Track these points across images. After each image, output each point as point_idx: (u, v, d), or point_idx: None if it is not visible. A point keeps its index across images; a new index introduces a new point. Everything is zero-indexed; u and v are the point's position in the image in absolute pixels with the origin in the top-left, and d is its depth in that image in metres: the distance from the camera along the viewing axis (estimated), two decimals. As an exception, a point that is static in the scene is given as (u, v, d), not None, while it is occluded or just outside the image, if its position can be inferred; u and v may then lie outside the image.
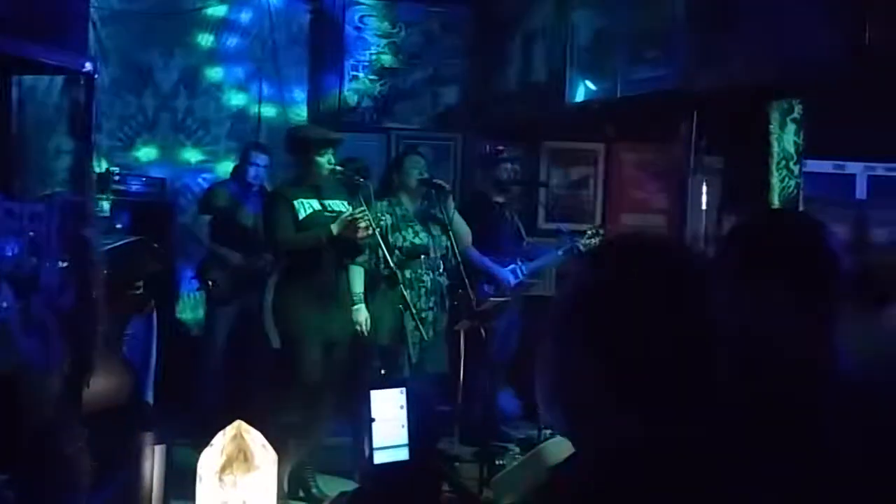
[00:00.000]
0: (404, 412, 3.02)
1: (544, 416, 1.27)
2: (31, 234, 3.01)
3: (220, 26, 7.20)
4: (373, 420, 3.04)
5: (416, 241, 5.08)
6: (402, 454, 2.98)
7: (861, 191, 6.20)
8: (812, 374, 1.60)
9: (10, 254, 2.95)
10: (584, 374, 1.15)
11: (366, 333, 4.85)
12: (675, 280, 1.17)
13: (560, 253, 5.87)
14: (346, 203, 4.87)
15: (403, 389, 3.11)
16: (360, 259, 4.90)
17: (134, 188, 6.48)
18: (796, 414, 1.52)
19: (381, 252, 4.90)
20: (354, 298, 4.86)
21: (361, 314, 4.85)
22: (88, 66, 3.18)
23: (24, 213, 3.00)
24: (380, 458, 2.98)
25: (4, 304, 2.90)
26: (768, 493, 1.13)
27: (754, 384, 1.57)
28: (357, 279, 4.90)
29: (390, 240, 4.98)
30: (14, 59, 3.20)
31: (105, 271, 3.36)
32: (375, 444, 2.99)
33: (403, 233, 5.07)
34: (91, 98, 3.22)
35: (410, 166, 5.20)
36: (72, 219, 3.11)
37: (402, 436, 3.00)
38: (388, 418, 3.02)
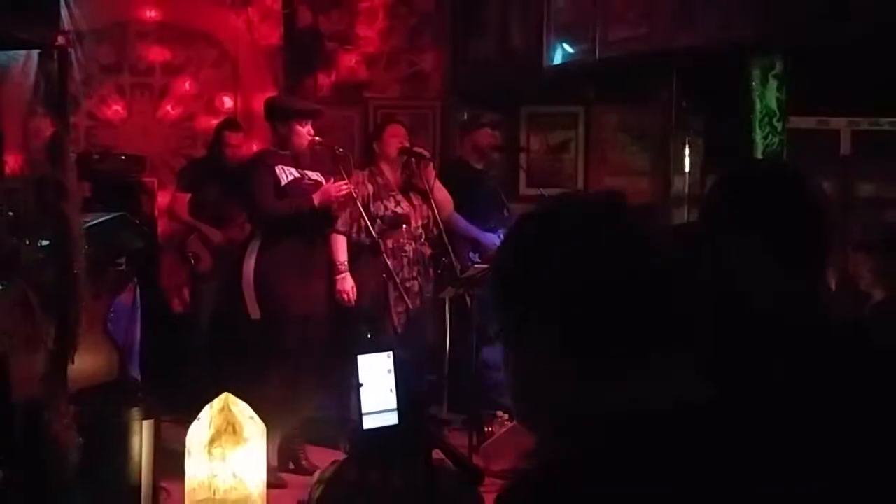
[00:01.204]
0: (392, 376, 3.01)
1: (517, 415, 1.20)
2: (10, 213, 2.97)
3: (193, 1, 7.11)
4: (360, 385, 3.03)
5: (398, 209, 5.07)
6: (392, 419, 2.97)
7: (845, 146, 6.20)
8: (800, 330, 1.59)
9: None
10: (539, 347, 1.07)
11: (352, 302, 4.85)
12: (615, 232, 1.08)
13: None
14: (324, 172, 4.87)
15: (391, 353, 3.10)
16: (342, 228, 4.89)
17: (114, 167, 6.43)
18: (779, 371, 1.50)
19: (362, 222, 4.89)
20: (339, 267, 4.85)
21: (347, 282, 4.85)
22: (61, 39, 3.12)
23: (1, 192, 2.96)
24: (369, 423, 2.98)
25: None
26: (749, 458, 1.08)
27: (735, 342, 1.54)
28: (340, 248, 4.89)
29: (371, 209, 4.96)
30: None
31: (87, 248, 3.31)
32: (364, 408, 2.98)
33: (385, 202, 5.06)
34: (65, 73, 3.16)
35: (390, 135, 5.17)
36: (51, 196, 3.08)
37: (391, 400, 3.00)
38: (376, 383, 3.01)
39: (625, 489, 1.00)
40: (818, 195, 1.75)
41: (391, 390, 2.97)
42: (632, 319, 1.06)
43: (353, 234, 4.95)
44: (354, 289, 4.85)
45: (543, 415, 1.11)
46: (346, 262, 4.87)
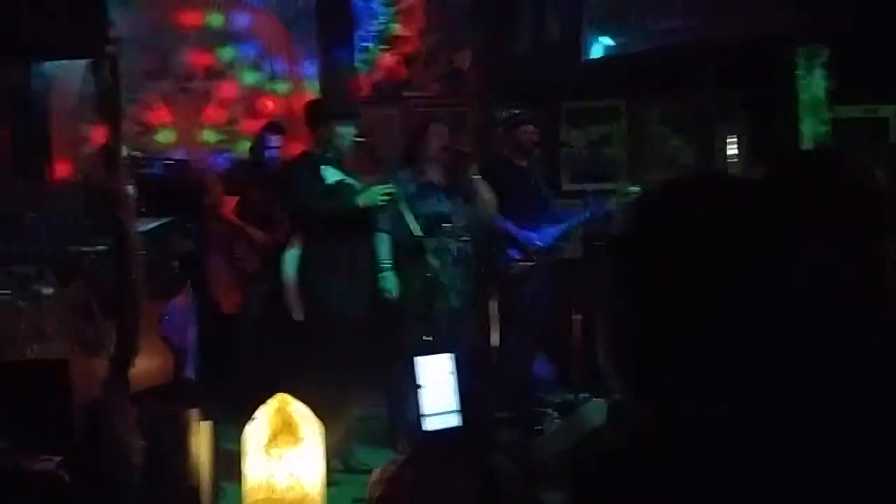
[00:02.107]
0: (454, 378, 3.01)
1: (609, 380, 1.23)
2: (70, 220, 3.03)
3: (230, 5, 7.17)
4: (420, 387, 3.03)
5: (440, 209, 5.07)
6: (453, 420, 2.97)
7: (895, 134, 6.10)
8: (852, 322, 1.57)
9: (48, 240, 2.97)
10: (649, 330, 1.11)
11: (393, 299, 4.86)
12: (739, 220, 1.12)
13: (587, 214, 5.83)
14: (368, 174, 4.90)
15: (452, 355, 3.10)
16: (385, 227, 4.91)
17: (158, 171, 6.52)
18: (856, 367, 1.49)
19: (405, 222, 4.89)
20: (382, 265, 4.87)
21: (389, 281, 4.87)
22: (111, 48, 3.17)
23: (59, 200, 3.01)
24: (430, 424, 2.98)
25: (50, 290, 2.93)
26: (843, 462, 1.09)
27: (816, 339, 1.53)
28: (383, 247, 4.91)
29: (414, 209, 4.96)
30: (37, 44, 3.20)
31: (141, 253, 3.36)
32: (425, 410, 2.98)
33: (427, 201, 5.07)
34: (116, 81, 3.21)
35: (432, 135, 5.18)
36: (107, 204, 3.13)
37: (453, 402, 2.99)
38: (437, 384, 3.01)
39: (710, 465, 1.03)
40: (870, 182, 1.73)
41: (453, 392, 2.97)
42: (746, 299, 1.08)
43: (396, 235, 4.97)
44: (397, 286, 4.87)
45: (644, 383, 1.14)
46: (389, 261, 4.89)
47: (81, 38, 3.17)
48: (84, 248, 3.08)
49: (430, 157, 5.17)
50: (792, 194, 1.73)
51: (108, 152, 3.23)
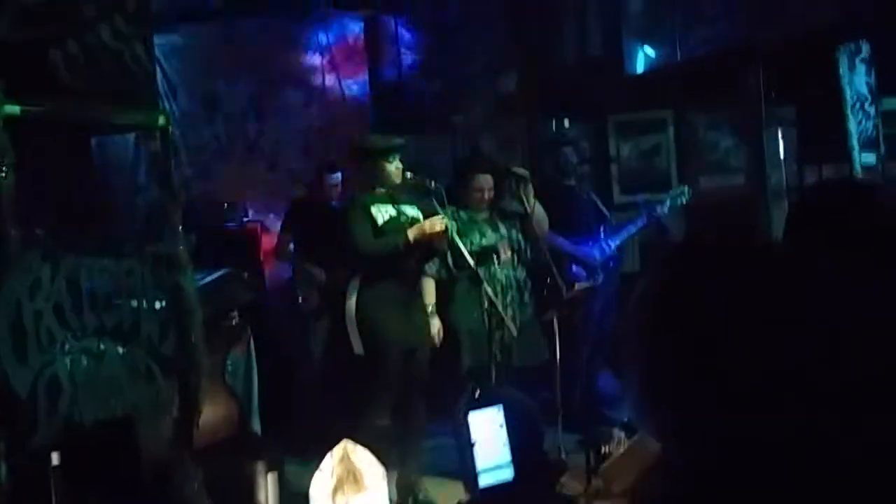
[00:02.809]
0: (504, 430, 3.02)
1: (633, 416, 1.26)
2: (129, 289, 3.13)
3: (280, 46, 7.32)
4: (473, 443, 3.05)
5: (484, 242, 5.09)
6: (507, 474, 2.98)
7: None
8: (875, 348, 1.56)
9: (109, 310, 3.08)
10: (681, 373, 1.13)
11: (437, 344, 4.90)
12: (768, 271, 1.15)
13: (643, 220, 5.82)
14: (419, 207, 4.93)
15: (500, 407, 3.11)
16: (430, 270, 4.96)
17: (216, 215, 6.68)
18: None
19: (453, 256, 4.92)
20: (428, 309, 4.92)
21: (434, 325, 4.91)
22: (162, 120, 3.29)
23: (120, 271, 3.12)
24: (484, 480, 3.00)
25: (115, 353, 3.04)
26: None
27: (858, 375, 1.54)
28: (429, 290, 4.95)
29: (460, 243, 4.96)
30: (91, 123, 3.33)
31: (201, 310, 3.46)
32: (479, 466, 3.00)
33: (474, 233, 5.10)
34: (168, 150, 3.33)
35: (475, 189, 5.18)
36: (166, 269, 3.24)
37: (505, 454, 3.01)
38: (489, 439, 3.03)
39: None
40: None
41: (504, 444, 2.98)
42: (787, 364, 1.11)
43: (442, 274, 4.99)
44: (441, 331, 4.91)
45: (675, 431, 1.17)
46: (433, 304, 4.94)
47: (132, 114, 3.29)
48: (143, 310, 3.18)
49: (473, 200, 5.19)
50: (814, 224, 1.75)
51: (166, 219, 3.33)
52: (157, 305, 3.20)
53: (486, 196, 5.17)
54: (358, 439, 3.74)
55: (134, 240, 3.28)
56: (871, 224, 1.74)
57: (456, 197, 5.21)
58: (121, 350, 3.08)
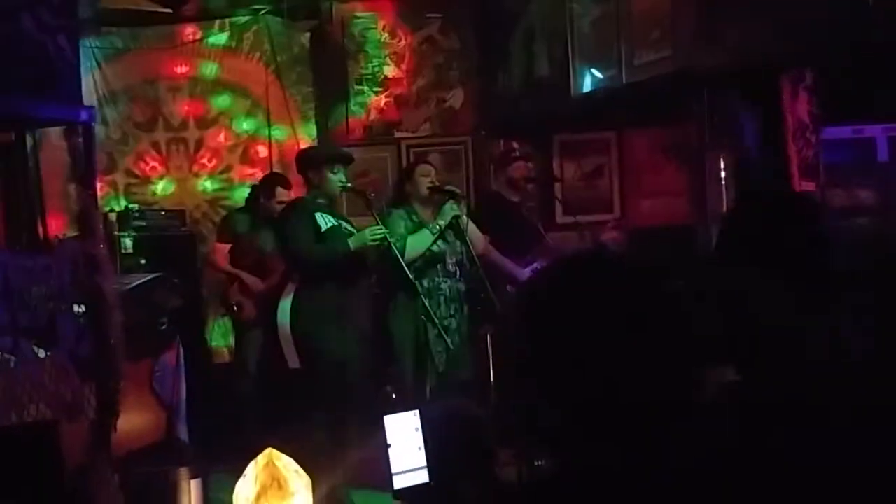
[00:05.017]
0: (419, 434, 3.00)
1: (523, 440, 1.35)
2: (45, 287, 3.03)
3: (222, 54, 7.24)
4: (389, 446, 3.03)
5: (433, 248, 5.07)
6: (422, 477, 2.96)
7: (882, 153, 6.08)
8: (819, 371, 1.56)
9: (25, 308, 2.98)
10: (548, 405, 1.18)
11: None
12: (627, 298, 1.18)
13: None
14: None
15: (416, 412, 3.09)
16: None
17: (154, 223, 6.57)
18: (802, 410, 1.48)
19: (399, 265, 4.88)
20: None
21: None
22: (85, 115, 3.20)
23: (36, 267, 3.02)
24: (399, 482, 2.97)
25: (24, 358, 2.93)
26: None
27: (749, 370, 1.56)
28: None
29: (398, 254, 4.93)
30: (8, 117, 3.23)
31: (127, 312, 3.37)
32: (393, 469, 2.98)
33: (420, 241, 5.07)
34: (91, 146, 3.24)
35: (420, 175, 5.19)
36: (84, 267, 3.14)
37: (420, 458, 2.99)
38: (404, 442, 3.00)
39: None
40: (822, 222, 1.76)
41: (419, 448, 2.96)
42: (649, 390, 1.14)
43: (389, 277, 4.97)
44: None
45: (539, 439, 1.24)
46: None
47: (53, 108, 3.20)
48: (60, 314, 3.07)
49: (419, 197, 5.18)
50: (744, 236, 1.76)
51: (86, 218, 3.24)
52: (76, 304, 3.11)
53: (433, 180, 5.15)
54: (286, 449, 3.67)
55: (53, 238, 3.18)
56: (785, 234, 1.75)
57: (406, 194, 5.17)
58: (35, 349, 2.98)
